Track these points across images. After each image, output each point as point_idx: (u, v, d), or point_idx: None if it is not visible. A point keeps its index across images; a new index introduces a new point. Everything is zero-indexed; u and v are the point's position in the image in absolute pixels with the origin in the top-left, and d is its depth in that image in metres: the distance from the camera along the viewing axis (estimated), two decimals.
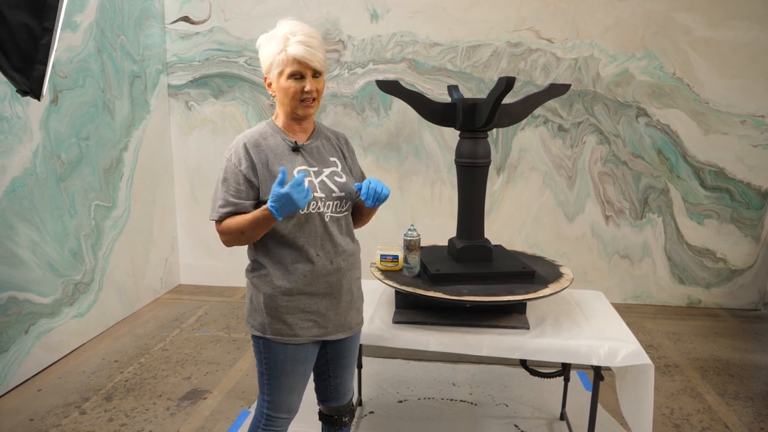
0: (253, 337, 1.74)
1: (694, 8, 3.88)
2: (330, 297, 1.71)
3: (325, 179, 1.68)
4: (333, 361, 1.84)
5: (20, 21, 1.68)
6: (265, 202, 1.58)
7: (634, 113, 4.08)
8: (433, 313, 2.17)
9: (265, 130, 1.69)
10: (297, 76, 1.61)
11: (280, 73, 1.61)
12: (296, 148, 1.67)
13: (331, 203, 1.67)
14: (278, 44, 1.60)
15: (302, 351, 1.71)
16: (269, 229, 1.61)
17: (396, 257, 2.22)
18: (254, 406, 2.78)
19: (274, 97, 1.68)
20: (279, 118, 1.71)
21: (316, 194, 1.64)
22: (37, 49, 1.73)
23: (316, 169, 1.68)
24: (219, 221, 1.64)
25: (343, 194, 1.70)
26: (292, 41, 1.59)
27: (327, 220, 1.67)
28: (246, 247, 1.75)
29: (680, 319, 4.02)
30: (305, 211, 1.63)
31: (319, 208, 1.65)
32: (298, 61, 1.59)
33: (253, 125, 4.27)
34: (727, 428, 2.66)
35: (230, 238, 1.64)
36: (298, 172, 1.64)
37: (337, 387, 1.88)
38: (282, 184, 1.49)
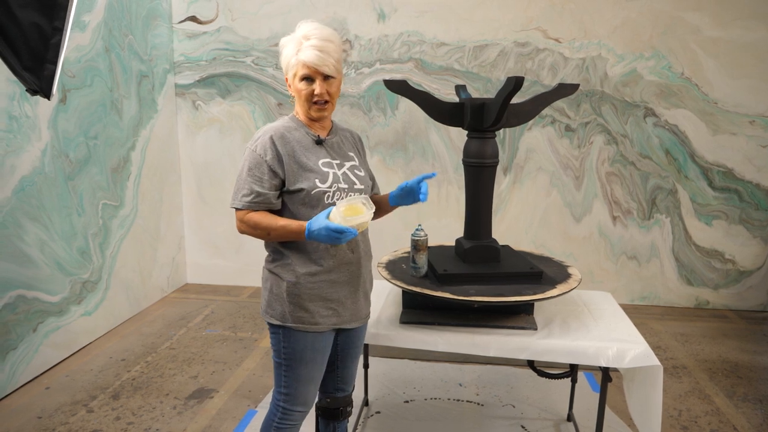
0: (272, 327, 1.76)
1: (702, 8, 3.86)
2: (349, 285, 1.77)
3: (347, 172, 1.75)
4: (343, 351, 1.89)
5: (31, 20, 1.69)
6: (289, 192, 1.67)
7: (642, 113, 4.06)
8: (440, 314, 2.17)
9: (289, 124, 1.74)
10: (308, 79, 1.67)
11: (294, 75, 1.68)
12: (320, 142, 1.74)
13: (353, 195, 1.73)
14: (294, 47, 1.67)
15: (321, 339, 1.75)
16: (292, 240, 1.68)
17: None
18: (261, 405, 2.80)
19: (293, 96, 1.74)
20: (300, 114, 1.77)
21: (339, 185, 1.71)
22: (47, 49, 1.74)
23: (338, 161, 1.75)
24: (241, 209, 1.68)
25: (363, 187, 1.78)
26: (305, 45, 1.64)
27: None
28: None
29: (688, 320, 4.00)
30: (330, 201, 1.69)
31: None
32: (308, 66, 1.65)
33: (260, 125, 4.36)
34: (736, 430, 2.64)
35: (250, 230, 1.68)
36: (323, 164, 1.71)
37: (344, 377, 1.94)
38: (327, 216, 1.55)
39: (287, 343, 1.73)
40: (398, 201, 1.84)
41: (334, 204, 1.68)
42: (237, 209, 1.69)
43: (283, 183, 1.68)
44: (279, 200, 1.70)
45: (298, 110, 1.77)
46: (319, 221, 1.56)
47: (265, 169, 1.66)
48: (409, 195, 1.81)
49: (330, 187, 1.69)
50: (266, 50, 4.27)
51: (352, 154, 1.83)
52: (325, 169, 1.70)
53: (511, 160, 4.23)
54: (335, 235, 1.53)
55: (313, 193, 1.67)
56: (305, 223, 1.61)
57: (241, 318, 3.94)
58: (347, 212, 1.56)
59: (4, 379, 2.86)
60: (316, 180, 1.67)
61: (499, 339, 2.04)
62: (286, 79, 1.73)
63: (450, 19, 4.09)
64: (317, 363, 1.77)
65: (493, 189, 2.31)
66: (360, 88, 4.25)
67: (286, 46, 1.69)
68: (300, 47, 1.65)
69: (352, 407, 2.01)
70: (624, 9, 3.93)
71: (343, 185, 1.71)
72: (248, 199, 1.66)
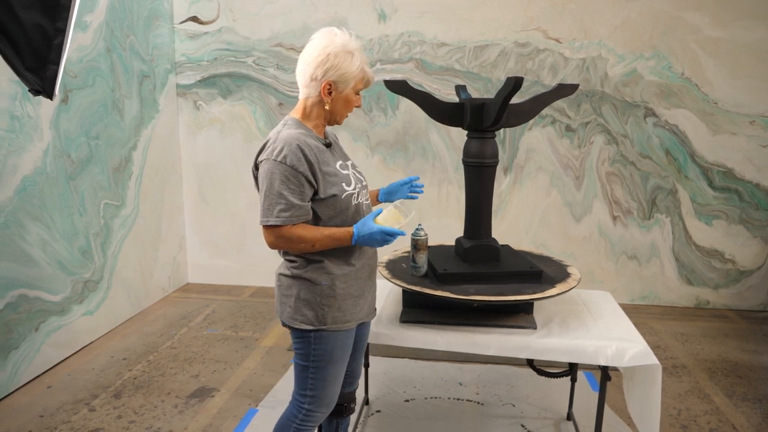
0: (300, 332, 1.73)
1: (702, 8, 3.87)
2: (368, 280, 1.82)
3: (353, 171, 1.80)
4: (355, 344, 1.91)
5: (33, 21, 1.70)
6: (320, 200, 1.67)
7: (642, 113, 4.06)
8: (440, 313, 2.17)
9: (302, 130, 1.70)
10: (359, 92, 1.77)
11: (352, 87, 1.72)
12: (328, 145, 1.77)
13: (364, 192, 1.80)
14: (357, 61, 1.69)
15: (349, 336, 1.79)
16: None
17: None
18: (262, 403, 2.81)
19: (328, 102, 1.71)
20: (309, 119, 1.75)
21: (358, 185, 1.77)
22: (50, 49, 1.75)
23: (343, 163, 1.79)
24: (280, 226, 1.61)
25: (366, 183, 1.85)
26: (367, 61, 1.74)
27: (365, 208, 1.79)
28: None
29: (688, 320, 4.01)
30: (356, 201, 1.73)
31: (363, 198, 1.77)
32: (369, 83, 1.77)
33: (261, 125, 4.37)
34: (735, 430, 2.65)
35: (289, 244, 1.64)
36: (340, 167, 1.74)
37: (352, 371, 1.98)
38: (373, 218, 1.65)
39: (318, 345, 1.73)
40: (387, 198, 2.02)
41: (359, 204, 1.74)
42: (274, 226, 1.62)
43: (315, 192, 1.66)
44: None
45: (314, 114, 1.73)
46: (368, 225, 1.61)
47: (302, 181, 1.61)
48: (397, 193, 2.05)
49: (354, 188, 1.73)
50: (267, 50, 4.28)
51: (346, 153, 1.90)
52: (344, 172, 1.74)
53: (511, 160, 4.24)
54: (388, 238, 1.60)
55: (343, 197, 1.69)
56: (351, 229, 1.64)
57: (242, 317, 3.95)
58: (398, 216, 1.68)
59: (6, 378, 2.88)
60: (343, 184, 1.70)
61: (499, 338, 2.04)
62: (329, 84, 1.67)
63: (450, 20, 4.10)
64: (344, 360, 1.80)
65: (493, 189, 2.32)
66: None
67: (353, 55, 1.68)
68: (364, 63, 1.71)
69: (355, 404, 2.02)
70: (624, 9, 3.94)
71: (359, 185, 1.78)
72: (287, 214, 1.60)
